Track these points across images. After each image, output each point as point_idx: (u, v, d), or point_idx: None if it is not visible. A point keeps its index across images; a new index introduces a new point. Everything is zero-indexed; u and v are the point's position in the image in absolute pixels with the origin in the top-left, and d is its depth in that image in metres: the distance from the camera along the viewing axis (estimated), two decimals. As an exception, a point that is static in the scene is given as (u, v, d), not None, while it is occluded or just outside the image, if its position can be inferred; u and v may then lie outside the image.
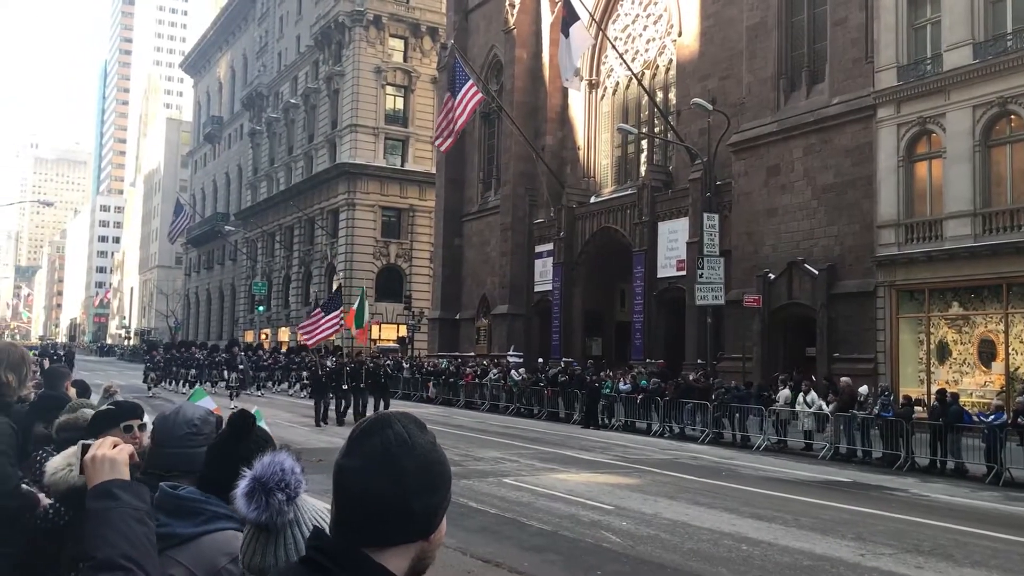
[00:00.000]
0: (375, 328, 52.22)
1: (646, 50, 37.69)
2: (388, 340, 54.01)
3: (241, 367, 33.72)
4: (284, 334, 64.45)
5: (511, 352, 37.27)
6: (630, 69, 35.55)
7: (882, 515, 12.38)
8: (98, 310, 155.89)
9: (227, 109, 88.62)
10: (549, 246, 39.73)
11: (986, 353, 22.99)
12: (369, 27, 58.85)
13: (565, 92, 40.13)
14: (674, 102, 35.45)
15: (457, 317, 47.07)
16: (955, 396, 19.24)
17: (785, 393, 21.81)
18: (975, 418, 18.40)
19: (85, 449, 2.18)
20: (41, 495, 3.49)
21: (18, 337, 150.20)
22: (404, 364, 38.72)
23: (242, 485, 1.88)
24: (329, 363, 27.52)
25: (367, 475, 1.50)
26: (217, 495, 2.34)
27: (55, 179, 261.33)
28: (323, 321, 31.20)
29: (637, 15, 38.31)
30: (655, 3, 37.07)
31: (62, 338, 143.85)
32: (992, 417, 17.37)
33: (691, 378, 25.06)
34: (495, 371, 32.67)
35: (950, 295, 23.91)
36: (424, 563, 1.58)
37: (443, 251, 48.03)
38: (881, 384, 22.00)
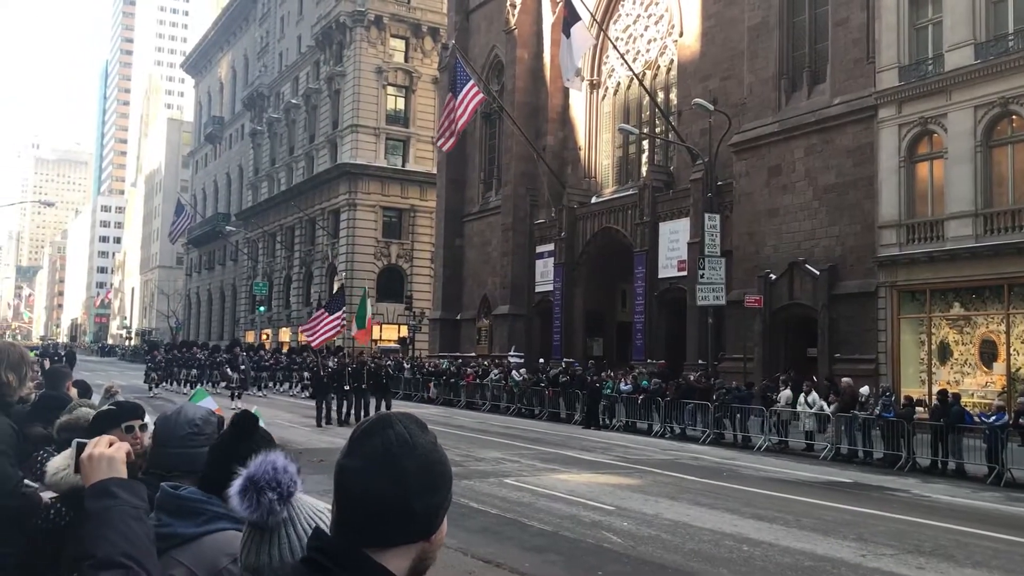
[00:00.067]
0: (376, 328, 52.21)
1: (647, 50, 37.69)
2: (389, 340, 54.04)
3: (243, 367, 33.73)
4: (285, 334, 64.50)
5: (512, 352, 37.25)
6: (631, 69, 35.55)
7: (883, 516, 12.37)
8: (99, 310, 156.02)
9: (228, 109, 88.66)
10: (550, 246, 39.74)
11: (987, 354, 22.98)
12: (370, 27, 58.87)
13: (566, 92, 40.13)
14: (675, 102, 35.46)
15: (458, 317, 47.08)
16: (956, 397, 19.23)
17: (786, 394, 21.80)
18: (976, 419, 18.39)
19: (80, 448, 2.18)
20: (44, 492, 3.49)
21: (19, 337, 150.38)
22: (405, 364, 38.74)
23: (236, 483, 1.87)
24: (331, 364, 27.53)
25: (368, 475, 1.50)
26: (219, 495, 2.34)
27: (56, 179, 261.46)
28: (327, 321, 31.10)
29: (638, 15, 38.30)
30: (656, 3, 37.07)
31: (63, 338, 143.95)
32: (993, 418, 17.38)
33: (692, 378, 25.04)
34: (496, 371, 32.67)
35: (951, 295, 23.90)
36: (425, 563, 1.57)
37: (444, 251, 48.04)
38: (882, 385, 21.98)
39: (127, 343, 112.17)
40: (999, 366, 22.57)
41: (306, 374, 36.16)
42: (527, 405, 29.90)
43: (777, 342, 27.98)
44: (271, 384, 40.08)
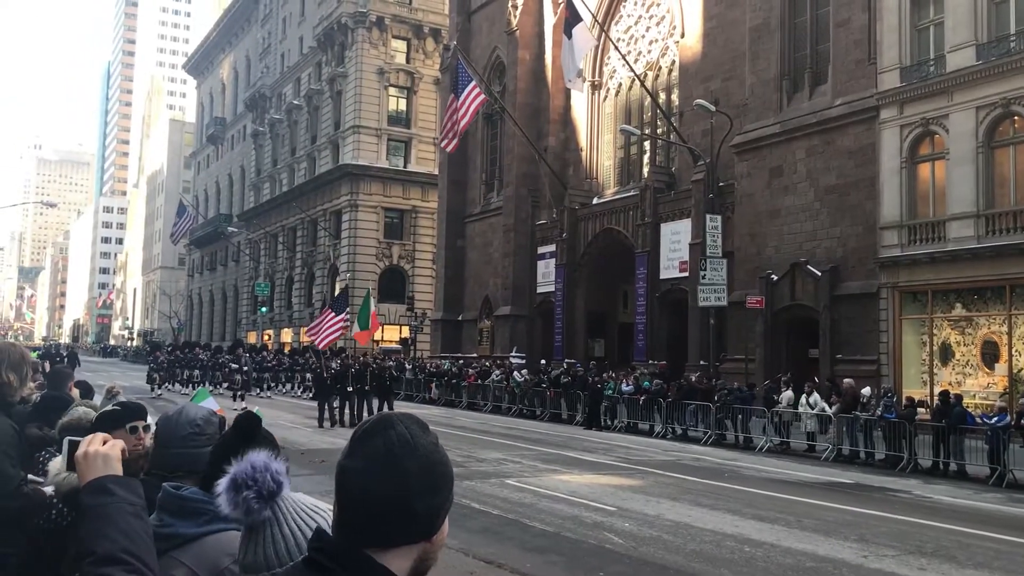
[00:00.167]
0: (378, 329, 52.20)
1: (649, 51, 37.70)
2: (390, 341, 54.04)
3: (245, 368, 33.72)
4: (287, 335, 64.53)
5: (513, 353, 37.25)
6: (633, 70, 35.55)
7: (885, 517, 12.36)
8: (101, 311, 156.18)
9: (230, 110, 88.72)
10: (552, 247, 39.74)
11: (989, 355, 22.97)
12: (372, 28, 58.92)
13: (568, 93, 40.13)
14: (677, 103, 35.46)
15: (460, 318, 47.08)
16: (958, 398, 19.23)
17: (788, 395, 21.80)
18: (978, 420, 18.37)
19: (72, 446, 2.17)
20: (47, 488, 3.49)
21: (21, 338, 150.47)
22: (407, 365, 38.75)
23: (222, 482, 1.87)
24: (335, 365, 27.54)
25: (369, 476, 1.50)
26: (220, 496, 2.34)
27: (58, 180, 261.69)
28: (330, 322, 31.00)
29: (640, 16, 38.31)
30: (658, 4, 37.08)
31: (65, 339, 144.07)
32: (995, 419, 17.35)
33: (694, 379, 25.03)
34: (497, 372, 32.67)
35: (953, 296, 23.89)
36: (426, 564, 1.57)
37: (445, 252, 48.05)
38: (884, 386, 21.94)
39: (129, 344, 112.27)
40: (1001, 367, 22.56)
41: (308, 375, 36.14)
42: (529, 406, 29.90)
43: (778, 343, 27.96)
44: (273, 385, 40.10)
